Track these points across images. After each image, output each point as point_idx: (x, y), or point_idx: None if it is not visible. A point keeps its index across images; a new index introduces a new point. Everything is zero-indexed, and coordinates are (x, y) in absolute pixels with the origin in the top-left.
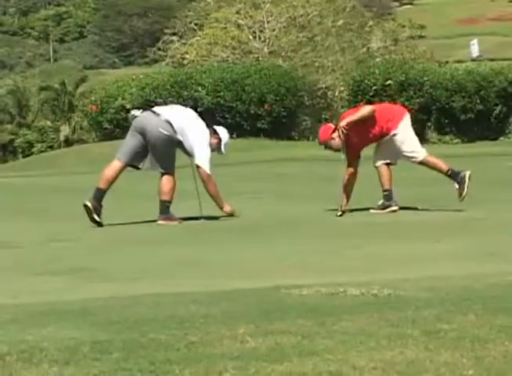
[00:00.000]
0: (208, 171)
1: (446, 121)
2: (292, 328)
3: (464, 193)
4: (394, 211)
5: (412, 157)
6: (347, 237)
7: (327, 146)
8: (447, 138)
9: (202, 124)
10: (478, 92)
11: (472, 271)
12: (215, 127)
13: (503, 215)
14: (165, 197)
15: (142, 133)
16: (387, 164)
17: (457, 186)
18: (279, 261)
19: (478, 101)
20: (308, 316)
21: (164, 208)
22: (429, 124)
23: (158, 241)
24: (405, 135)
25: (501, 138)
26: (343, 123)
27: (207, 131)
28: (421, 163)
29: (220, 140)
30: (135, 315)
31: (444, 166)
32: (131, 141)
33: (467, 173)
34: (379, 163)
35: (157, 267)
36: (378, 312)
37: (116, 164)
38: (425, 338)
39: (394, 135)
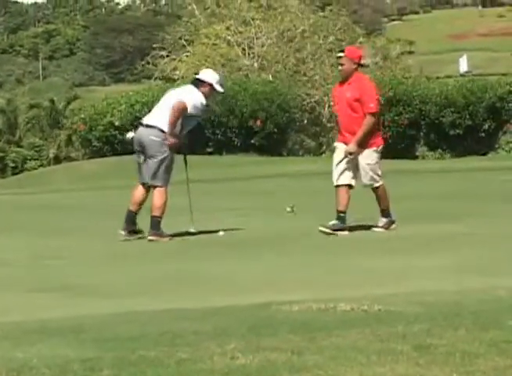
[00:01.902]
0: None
1: (436, 136)
2: (282, 344)
3: (322, 228)
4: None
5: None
6: (336, 253)
7: (340, 60)
8: (436, 153)
9: (180, 92)
10: (467, 107)
11: (462, 286)
12: (198, 76)
13: (493, 230)
14: (156, 213)
15: (142, 148)
16: (378, 186)
17: (328, 227)
18: (270, 276)
19: (467, 116)
20: (299, 331)
21: (155, 224)
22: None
23: (149, 257)
24: (374, 159)
25: (490, 153)
26: (352, 148)
27: (186, 94)
28: (338, 186)
29: (211, 85)
30: (125, 332)
31: (344, 206)
32: (138, 162)
33: (342, 233)
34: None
35: (149, 283)
36: (368, 328)
37: (139, 187)
38: (415, 353)
39: (375, 151)
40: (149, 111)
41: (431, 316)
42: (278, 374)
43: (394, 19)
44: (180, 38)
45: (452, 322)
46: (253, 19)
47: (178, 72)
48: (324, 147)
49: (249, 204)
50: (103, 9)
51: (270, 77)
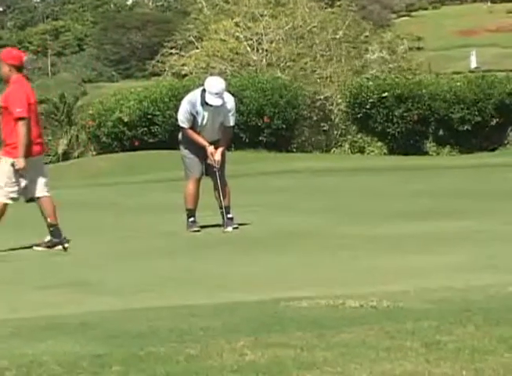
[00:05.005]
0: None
1: (445, 132)
2: (291, 341)
3: (37, 248)
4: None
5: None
6: (346, 250)
7: None
8: (445, 149)
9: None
10: (476, 104)
11: (472, 282)
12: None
13: (503, 226)
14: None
15: None
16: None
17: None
18: (279, 273)
19: (476, 112)
20: (308, 328)
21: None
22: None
23: (158, 254)
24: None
25: (499, 148)
26: (19, 163)
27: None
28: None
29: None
30: (134, 328)
31: (52, 219)
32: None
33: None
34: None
35: (158, 280)
36: (377, 324)
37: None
38: (425, 349)
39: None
40: (158, 108)
41: (440, 313)
42: (287, 370)
43: (402, 15)
44: (189, 36)
45: (461, 318)
46: (262, 16)
47: (186, 68)
48: (333, 144)
49: (257, 200)
50: (112, 5)
51: (279, 73)
